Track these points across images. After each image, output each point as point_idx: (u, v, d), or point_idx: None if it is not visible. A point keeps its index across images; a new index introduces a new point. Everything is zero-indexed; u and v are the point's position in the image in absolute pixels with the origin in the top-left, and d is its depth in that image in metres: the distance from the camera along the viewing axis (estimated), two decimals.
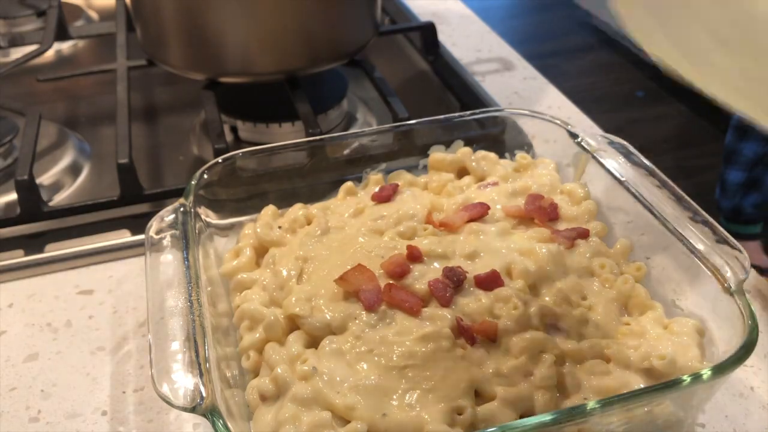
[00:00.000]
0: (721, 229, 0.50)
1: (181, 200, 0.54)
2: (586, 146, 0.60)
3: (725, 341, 0.45)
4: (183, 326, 0.44)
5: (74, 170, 0.74)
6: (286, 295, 0.49)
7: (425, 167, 0.63)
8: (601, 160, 0.59)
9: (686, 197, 0.53)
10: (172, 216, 0.53)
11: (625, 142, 0.60)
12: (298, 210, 0.58)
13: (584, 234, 0.54)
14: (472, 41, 1.02)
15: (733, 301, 0.45)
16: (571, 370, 0.45)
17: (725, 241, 0.49)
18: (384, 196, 0.58)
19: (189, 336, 0.44)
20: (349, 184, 0.61)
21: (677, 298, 0.51)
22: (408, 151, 0.64)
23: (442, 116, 0.65)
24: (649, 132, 2.56)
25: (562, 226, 0.56)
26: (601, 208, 0.58)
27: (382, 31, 0.84)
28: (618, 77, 2.93)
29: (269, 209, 0.59)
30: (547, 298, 0.49)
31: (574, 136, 0.61)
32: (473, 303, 0.47)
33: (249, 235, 0.56)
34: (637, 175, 0.56)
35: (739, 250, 0.48)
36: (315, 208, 0.58)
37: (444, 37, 0.98)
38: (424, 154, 0.64)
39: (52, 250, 0.64)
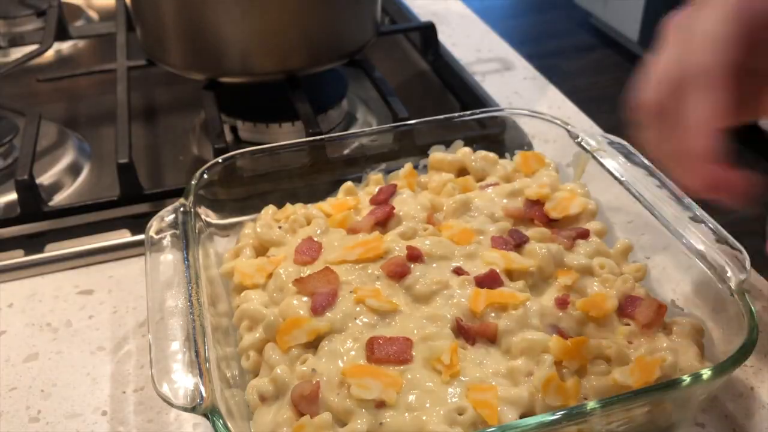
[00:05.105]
0: (721, 229, 0.50)
1: (181, 200, 0.54)
2: (586, 146, 0.60)
3: (725, 341, 0.45)
4: (183, 326, 0.44)
5: (74, 170, 0.74)
6: (285, 295, 0.49)
7: (425, 167, 0.63)
8: (601, 160, 0.59)
9: (686, 197, 0.53)
10: (172, 216, 0.53)
11: (625, 142, 0.60)
12: (295, 209, 0.58)
13: (584, 234, 0.54)
14: (472, 41, 1.02)
15: (733, 301, 0.45)
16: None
17: (725, 241, 0.49)
18: (381, 200, 0.57)
19: (189, 336, 0.44)
20: (349, 184, 0.61)
21: (677, 298, 0.51)
22: (408, 151, 0.64)
23: (442, 116, 0.65)
24: None
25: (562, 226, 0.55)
26: (601, 208, 0.58)
27: (382, 31, 0.84)
28: (618, 77, 2.93)
29: (269, 209, 0.59)
30: (547, 298, 0.49)
31: (574, 136, 0.61)
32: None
33: (249, 235, 0.56)
34: (637, 175, 0.56)
35: (739, 250, 0.48)
36: (315, 208, 0.58)
37: (444, 37, 0.98)
38: (424, 154, 0.64)
39: (52, 250, 0.64)
